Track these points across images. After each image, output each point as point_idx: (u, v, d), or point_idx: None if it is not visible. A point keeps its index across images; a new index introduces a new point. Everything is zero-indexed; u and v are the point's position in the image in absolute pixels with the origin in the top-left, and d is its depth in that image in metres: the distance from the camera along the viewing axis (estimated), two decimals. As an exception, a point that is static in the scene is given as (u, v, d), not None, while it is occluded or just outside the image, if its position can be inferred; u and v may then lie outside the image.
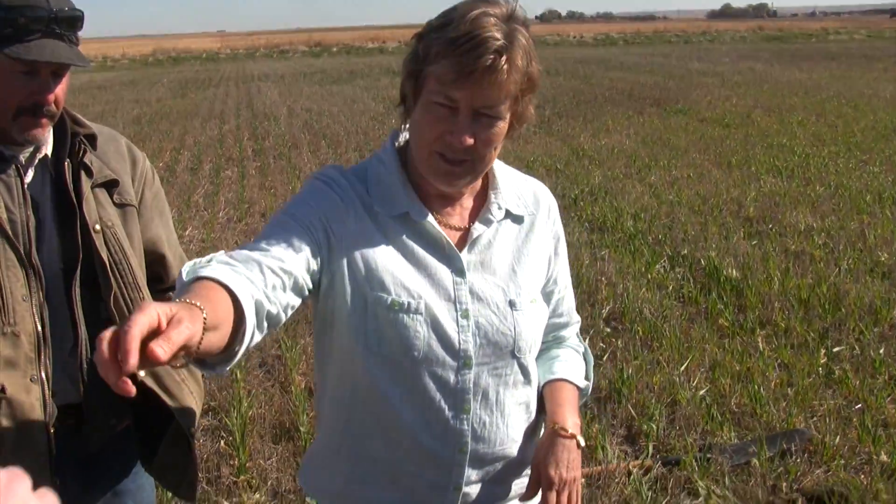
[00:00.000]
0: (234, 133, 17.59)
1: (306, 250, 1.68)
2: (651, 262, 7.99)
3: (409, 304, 1.74)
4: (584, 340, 2.17)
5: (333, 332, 1.82)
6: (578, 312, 2.15)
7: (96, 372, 1.18)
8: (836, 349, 5.90)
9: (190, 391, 2.37)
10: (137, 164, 2.37)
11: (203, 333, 1.26)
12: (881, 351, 5.81)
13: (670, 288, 7.30)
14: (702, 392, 5.27)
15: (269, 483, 4.34)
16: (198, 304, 1.28)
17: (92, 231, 2.14)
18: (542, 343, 1.99)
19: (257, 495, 4.19)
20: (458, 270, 1.81)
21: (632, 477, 4.34)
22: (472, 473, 1.86)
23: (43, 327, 2.07)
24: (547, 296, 1.98)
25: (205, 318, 1.27)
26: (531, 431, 1.95)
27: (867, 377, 5.46)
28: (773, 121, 17.32)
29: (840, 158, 13.19)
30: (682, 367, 5.60)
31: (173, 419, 2.30)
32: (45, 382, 2.07)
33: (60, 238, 2.14)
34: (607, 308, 6.72)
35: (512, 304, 1.83)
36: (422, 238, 1.81)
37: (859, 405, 5.10)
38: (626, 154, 13.95)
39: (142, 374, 1.15)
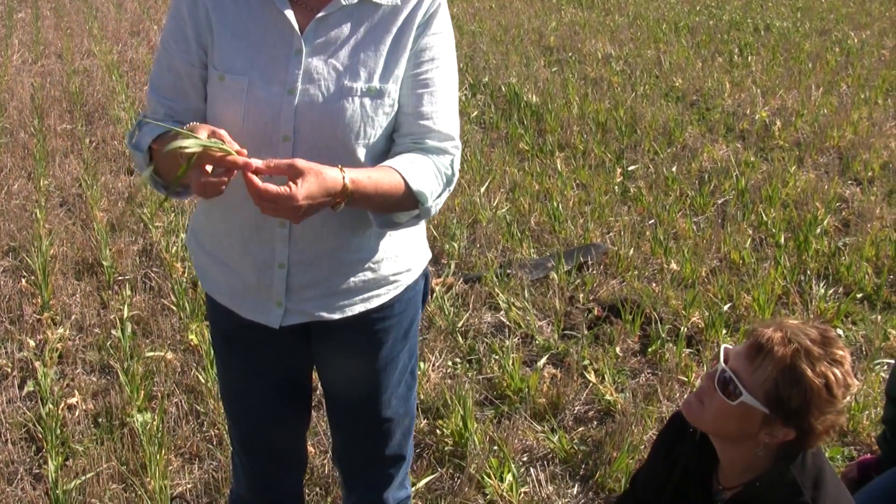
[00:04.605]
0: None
1: (195, 74, 1.83)
2: (453, 89, 7.88)
3: (233, 79, 1.77)
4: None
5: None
6: None
7: None
8: (631, 168, 6.03)
9: None
10: None
11: None
12: (673, 169, 5.98)
13: (473, 114, 7.23)
14: (502, 211, 5.28)
15: (72, 318, 4.14)
16: None
17: None
18: (401, 143, 1.89)
19: (61, 330, 4.00)
20: (296, 49, 1.78)
21: (435, 294, 4.31)
22: (295, 253, 1.88)
23: None
24: (415, 95, 1.86)
25: None
26: (357, 219, 1.88)
27: (660, 194, 5.61)
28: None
29: (638, -10, 13.39)
30: (483, 189, 5.58)
31: None
32: None
33: None
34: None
35: (344, 88, 1.78)
36: (264, 14, 1.80)
37: (652, 220, 5.25)
38: (429, -14, 13.65)
39: None
